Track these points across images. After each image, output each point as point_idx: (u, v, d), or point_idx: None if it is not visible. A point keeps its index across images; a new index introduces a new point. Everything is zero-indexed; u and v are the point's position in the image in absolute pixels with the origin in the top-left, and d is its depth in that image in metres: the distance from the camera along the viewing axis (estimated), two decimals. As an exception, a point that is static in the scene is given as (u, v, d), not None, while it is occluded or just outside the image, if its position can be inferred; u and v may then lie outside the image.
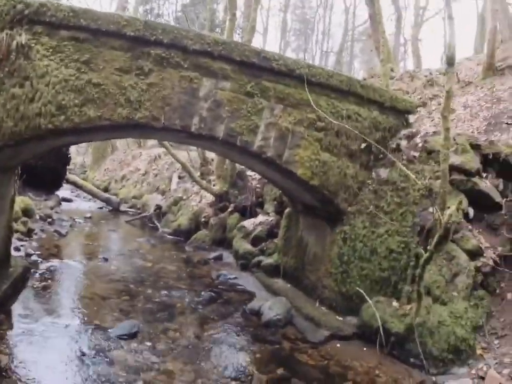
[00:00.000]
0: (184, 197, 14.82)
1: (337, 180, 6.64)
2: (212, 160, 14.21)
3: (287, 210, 8.87)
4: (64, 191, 19.45)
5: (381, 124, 7.05)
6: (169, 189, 17.40)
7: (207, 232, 11.88)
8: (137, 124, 5.24)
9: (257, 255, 9.37)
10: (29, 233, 10.44)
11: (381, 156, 6.98)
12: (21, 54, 4.92)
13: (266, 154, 6.00)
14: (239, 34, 27.14)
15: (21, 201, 11.56)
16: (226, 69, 5.73)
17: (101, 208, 18.70)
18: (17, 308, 5.98)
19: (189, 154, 15.39)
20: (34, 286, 6.97)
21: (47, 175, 15.35)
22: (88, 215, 15.59)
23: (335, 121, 6.31)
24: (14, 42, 4.83)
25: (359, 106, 6.86)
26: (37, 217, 12.24)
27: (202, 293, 7.64)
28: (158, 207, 15.67)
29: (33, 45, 5.00)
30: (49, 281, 7.36)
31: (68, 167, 17.64)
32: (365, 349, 5.72)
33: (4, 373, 4.21)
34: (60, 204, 16.89)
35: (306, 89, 6.12)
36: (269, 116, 6.03)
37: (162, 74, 5.39)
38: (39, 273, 7.64)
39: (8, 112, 4.91)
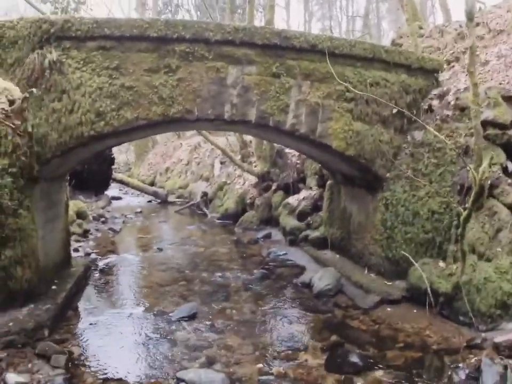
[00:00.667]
0: (228, 181, 15.16)
1: (373, 147, 6.71)
2: (250, 142, 14.42)
3: (328, 182, 9.00)
4: (113, 190, 20.24)
5: (410, 86, 7.02)
6: (213, 175, 17.78)
7: (253, 213, 12.17)
8: (172, 119, 5.53)
9: (304, 230, 9.58)
10: (85, 234, 11.07)
11: (414, 119, 7.00)
12: (55, 70, 5.27)
13: (299, 131, 6.17)
14: (261, 12, 26.97)
15: (74, 205, 12.20)
16: (250, 54, 5.89)
17: (149, 202, 19.36)
18: (82, 304, 6.44)
19: (228, 139, 15.69)
20: (96, 282, 7.46)
21: (94, 177, 16.02)
22: (139, 210, 16.21)
23: (359, 92, 6.36)
24: (46, 60, 5.17)
25: (386, 71, 6.86)
26: (91, 218, 12.89)
27: (255, 271, 7.94)
28: (204, 194, 16.10)
29: (64, 59, 5.34)
30: (109, 275, 7.84)
31: (113, 167, 18.29)
32: (414, 311, 5.82)
33: (77, 362, 4.60)
34: (111, 202, 17.61)
35: (328, 62, 6.18)
36: (298, 94, 6.16)
37: (189, 68, 5.63)
38: (99, 270, 8.14)
39: (51, 126, 5.29)
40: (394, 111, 6.87)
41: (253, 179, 12.98)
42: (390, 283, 6.62)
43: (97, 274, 7.88)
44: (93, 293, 6.99)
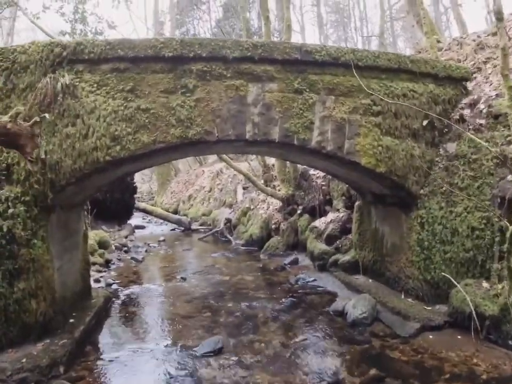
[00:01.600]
0: (252, 207, 14.84)
1: (404, 162, 6.32)
2: (273, 165, 14.12)
3: (357, 203, 8.58)
4: (136, 219, 20.14)
5: (439, 96, 6.66)
6: (236, 201, 17.52)
7: (279, 238, 11.77)
8: (191, 141, 5.25)
9: (333, 254, 9.13)
10: (107, 263, 10.82)
11: (446, 130, 6.63)
12: (68, 94, 5.08)
13: (326, 149, 5.81)
14: (276, 37, 27.06)
15: (96, 234, 12.03)
16: (270, 70, 5.61)
17: (173, 230, 19.15)
18: (102, 338, 6.11)
19: (250, 164, 15.42)
20: (117, 314, 7.13)
21: (117, 206, 15.93)
22: (162, 238, 15.96)
23: (391, 101, 6.01)
24: (59, 84, 4.98)
25: (413, 82, 6.54)
26: (113, 247, 12.67)
27: (283, 299, 7.51)
28: (228, 221, 15.79)
29: (77, 83, 5.15)
30: (131, 307, 7.50)
31: (135, 196, 18.20)
32: (459, 337, 5.35)
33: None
34: (134, 231, 17.48)
35: (355, 73, 5.86)
36: (322, 109, 5.84)
37: (208, 87, 5.37)
38: (121, 301, 7.82)
39: (65, 152, 5.06)
40: (425, 122, 6.53)
41: (277, 203, 12.62)
42: (430, 308, 6.18)
43: (118, 306, 7.55)
44: (113, 326, 6.66)
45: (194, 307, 7.32)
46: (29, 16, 14.40)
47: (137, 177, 41.27)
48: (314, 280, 8.70)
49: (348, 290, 7.81)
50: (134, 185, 17.79)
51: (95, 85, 5.21)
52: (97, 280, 9.03)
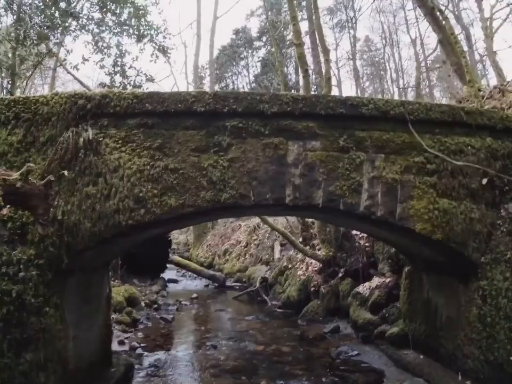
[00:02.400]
0: (290, 266, 14.08)
1: (463, 227, 5.59)
2: (313, 223, 13.45)
3: (406, 269, 7.78)
4: (170, 271, 19.62)
5: (497, 151, 5.97)
6: (273, 259, 16.80)
7: (318, 302, 10.93)
8: (224, 206, 4.71)
9: (379, 324, 8.26)
10: (134, 323, 10.23)
11: (506, 188, 5.92)
12: (90, 150, 4.69)
13: (375, 215, 5.16)
14: (315, 91, 26.99)
15: (125, 290, 11.52)
16: (312, 127, 5.10)
17: (207, 286, 18.51)
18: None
19: (287, 220, 14.77)
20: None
21: (150, 260, 15.47)
22: (194, 295, 15.33)
23: (452, 160, 5.36)
24: (81, 139, 4.61)
25: (469, 136, 5.90)
26: (143, 304, 12.11)
27: (324, 379, 6.67)
28: (264, 279, 15.05)
29: (101, 139, 4.78)
30: (154, 378, 6.82)
31: (169, 248, 17.76)
32: None
33: None
34: (166, 286, 16.94)
35: (411, 128, 5.28)
36: (371, 170, 5.24)
37: (243, 146, 4.89)
38: (144, 370, 7.16)
39: (84, 213, 4.61)
40: (484, 181, 5.83)
41: (316, 264, 11.84)
42: (493, 392, 5.29)
43: (141, 376, 6.88)
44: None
45: (224, 383, 6.57)
46: (66, 67, 14.59)
47: (174, 228, 41.26)
48: (358, 354, 7.82)
49: (397, 369, 6.95)
50: (169, 238, 17.38)
51: (120, 141, 4.81)
52: (121, 342, 8.44)
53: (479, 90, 11.85)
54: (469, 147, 5.85)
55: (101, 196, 4.66)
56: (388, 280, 8.89)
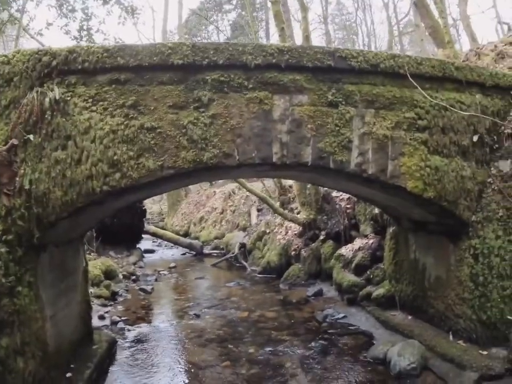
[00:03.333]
0: (268, 231, 13.88)
1: (455, 185, 5.39)
2: (290, 187, 13.21)
3: (392, 229, 7.63)
4: (145, 242, 19.25)
5: (487, 108, 5.76)
6: (250, 224, 16.59)
7: (300, 266, 10.78)
8: (207, 166, 4.33)
9: (364, 286, 8.13)
10: (113, 296, 9.90)
11: (496, 145, 5.77)
12: (57, 112, 4.24)
13: (367, 173, 4.88)
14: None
15: (101, 263, 11.15)
16: (299, 80, 4.72)
17: (184, 254, 18.26)
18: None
19: (264, 184, 14.48)
20: (123, 362, 6.20)
21: (125, 231, 15.07)
22: (172, 264, 15.07)
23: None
24: (47, 100, 4.13)
25: (459, 92, 5.65)
26: (120, 276, 11.75)
27: (312, 343, 6.53)
28: (242, 245, 14.86)
29: (69, 98, 4.32)
30: (138, 352, 6.56)
31: (145, 219, 17.34)
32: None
33: None
34: (143, 257, 16.62)
35: (412, 80, 5.01)
36: (361, 125, 4.94)
37: (225, 101, 4.48)
38: (127, 344, 6.91)
39: (54, 181, 4.18)
40: (475, 138, 5.64)
41: (296, 227, 11.65)
42: (486, 352, 5.24)
43: (124, 351, 6.62)
44: (119, 377, 5.72)
45: (210, 353, 6.37)
46: (30, 32, 13.73)
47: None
48: (345, 316, 7.72)
49: (386, 330, 6.85)
50: (143, 208, 16.93)
51: (90, 100, 4.34)
52: (101, 317, 8.13)
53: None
54: (459, 103, 5.61)
55: (72, 161, 4.23)
56: (371, 241, 8.75)
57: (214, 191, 24.88)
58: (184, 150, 4.28)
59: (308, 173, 5.15)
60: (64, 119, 4.30)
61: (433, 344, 5.74)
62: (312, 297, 9.28)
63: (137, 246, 17.06)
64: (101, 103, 4.32)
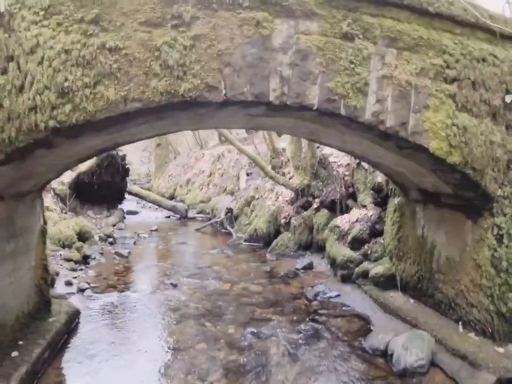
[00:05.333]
0: (257, 196, 13.00)
1: (483, 151, 4.48)
2: (283, 150, 12.26)
3: (397, 200, 6.75)
4: (129, 203, 18.37)
5: (522, 66, 4.81)
6: (238, 188, 15.71)
7: (289, 235, 9.93)
8: (183, 101, 3.34)
9: (361, 262, 7.30)
10: (85, 260, 9.03)
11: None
12: (0, 26, 3.21)
13: (384, 125, 3.93)
14: None
15: (75, 223, 10.22)
16: (308, 2, 3.71)
17: (168, 217, 17.46)
18: (55, 378, 4.39)
19: (256, 147, 13.49)
20: (84, 337, 5.37)
21: (106, 190, 14.15)
22: (154, 227, 14.23)
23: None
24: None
25: (492, 44, 4.67)
26: (96, 238, 10.86)
27: (301, 325, 5.72)
28: (229, 210, 14.00)
29: (15, 10, 3.30)
30: (103, 326, 5.73)
31: (128, 178, 16.37)
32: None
33: None
34: (124, 218, 15.76)
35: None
36: (380, 66, 3.96)
37: (213, 20, 3.44)
38: (92, 316, 6.06)
39: (-13, 114, 3.20)
40: (508, 98, 4.70)
41: (287, 194, 10.74)
42: (502, 349, 4.49)
43: (87, 324, 5.79)
44: (74, 357, 4.87)
45: (184, 332, 5.54)
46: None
47: (136, 158, 39.65)
48: (338, 295, 6.92)
49: (384, 314, 6.06)
50: (126, 166, 15.94)
51: (42, 13, 3.33)
52: (68, 283, 7.28)
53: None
54: (492, 56, 4.65)
55: (12, 88, 3.24)
56: (370, 213, 7.88)
57: (203, 153, 23.87)
58: (155, 78, 3.29)
59: (309, 122, 4.16)
60: (7, 36, 3.30)
61: (441, 336, 4.97)
62: (302, 270, 8.49)
63: (119, 206, 16.16)
64: (55, 17, 3.30)
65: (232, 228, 13.33)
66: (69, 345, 5.14)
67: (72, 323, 5.65)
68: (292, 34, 3.59)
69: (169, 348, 5.07)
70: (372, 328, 5.69)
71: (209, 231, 14.11)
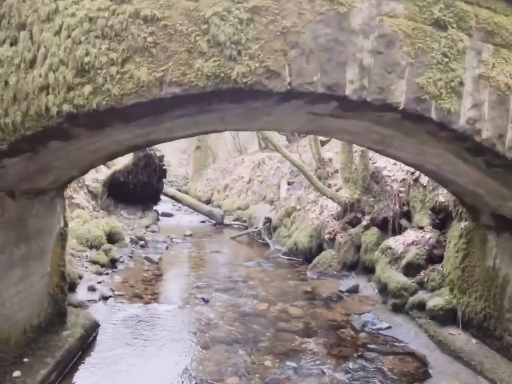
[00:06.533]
0: (298, 207, 12.24)
1: None
2: (330, 160, 11.47)
3: (464, 224, 5.90)
4: (165, 205, 17.91)
5: None
6: (278, 198, 14.98)
7: (333, 253, 9.12)
8: (236, 89, 2.65)
9: (415, 291, 6.45)
10: (112, 263, 8.48)
11: None
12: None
13: (480, 135, 3.14)
14: None
15: (106, 223, 9.71)
16: (394, -22, 2.98)
17: (203, 222, 16.92)
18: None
19: (301, 156, 12.71)
20: (101, 356, 4.74)
21: (141, 190, 13.70)
22: (188, 232, 13.68)
23: None
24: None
25: None
26: (127, 240, 10.34)
27: (349, 363, 4.92)
28: (268, 220, 13.27)
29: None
30: (123, 347, 5.07)
31: (164, 179, 15.91)
32: None
33: None
34: (158, 220, 15.27)
35: None
36: (476, 63, 3.18)
37: (277, -9, 2.76)
38: (112, 331, 5.46)
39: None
40: None
41: (333, 207, 9.94)
42: None
43: (105, 341, 5.17)
44: (86, 382, 4.26)
45: (214, 360, 4.83)
46: None
47: (175, 160, 39.54)
48: (389, 327, 6.07)
49: (443, 355, 5.22)
50: (164, 167, 15.47)
51: (65, -27, 2.72)
52: (91, 289, 6.72)
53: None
54: None
55: (21, 62, 2.65)
56: (428, 235, 7.01)
57: (243, 159, 23.27)
58: (201, 58, 2.60)
59: (384, 127, 3.38)
60: (20, 0, 2.70)
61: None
62: (346, 294, 7.67)
63: (154, 208, 15.70)
64: (78, -23, 2.68)
65: (270, 239, 12.61)
66: (82, 365, 4.53)
67: (88, 338, 5.05)
68: (373, 15, 2.85)
69: (195, 379, 4.38)
70: (429, 371, 4.85)
71: (245, 240, 13.44)
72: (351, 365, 4.88)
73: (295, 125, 3.86)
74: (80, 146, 3.28)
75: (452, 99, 3.01)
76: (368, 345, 5.48)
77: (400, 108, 2.88)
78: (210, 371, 4.54)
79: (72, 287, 6.39)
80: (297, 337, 5.63)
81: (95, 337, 5.20)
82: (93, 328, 5.23)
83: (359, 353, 5.22)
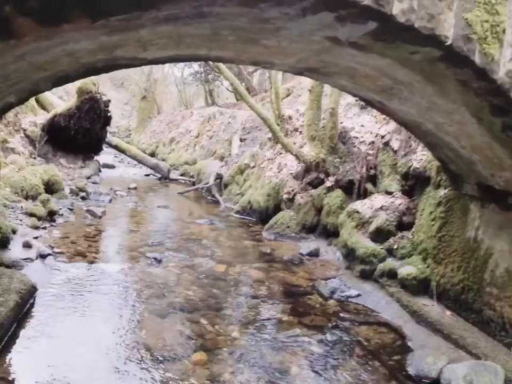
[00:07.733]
0: (252, 164, 11.66)
1: None
2: (290, 117, 10.88)
3: (443, 193, 5.54)
4: (106, 156, 16.82)
5: None
6: (229, 154, 14.33)
7: (292, 214, 8.63)
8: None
9: (384, 258, 6.12)
10: (51, 216, 7.58)
11: None
12: None
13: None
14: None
15: (44, 171, 8.71)
16: None
17: (147, 175, 16.11)
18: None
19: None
20: (39, 328, 4.03)
21: (83, 138, 12.57)
22: (133, 185, 12.87)
23: None
24: None
25: None
26: (67, 191, 9.42)
27: (325, 334, 4.48)
28: (219, 176, 12.63)
29: None
30: (64, 317, 4.35)
31: (108, 127, 14.75)
32: None
33: None
34: (100, 171, 14.28)
35: None
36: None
37: None
38: (52, 297, 4.72)
39: None
40: None
41: (293, 166, 9.41)
42: None
43: (43, 309, 4.42)
44: (20, 358, 3.55)
45: (173, 332, 4.23)
46: None
47: (117, 111, 37.63)
48: (359, 295, 5.71)
49: (419, 326, 4.90)
50: (109, 114, 14.30)
51: None
52: (27, 245, 5.87)
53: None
54: None
55: None
56: (398, 201, 6.64)
57: (191, 112, 22.27)
58: None
59: (409, 69, 2.76)
60: None
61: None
62: (307, 257, 7.25)
63: (96, 158, 14.60)
64: None
65: (221, 196, 12.02)
66: (18, 339, 3.80)
67: (25, 306, 4.29)
68: None
69: (153, 358, 3.76)
70: (409, 343, 4.52)
71: (194, 196, 12.83)
72: (325, 335, 4.45)
73: (294, 58, 3.16)
74: (22, 54, 2.45)
75: (495, 45, 2.46)
76: (340, 314, 5.08)
77: (447, 43, 2.29)
78: (171, 345, 3.95)
79: (5, 243, 5.56)
80: (262, 303, 5.14)
81: (32, 304, 4.45)
82: (30, 293, 4.47)
83: (333, 323, 4.79)
